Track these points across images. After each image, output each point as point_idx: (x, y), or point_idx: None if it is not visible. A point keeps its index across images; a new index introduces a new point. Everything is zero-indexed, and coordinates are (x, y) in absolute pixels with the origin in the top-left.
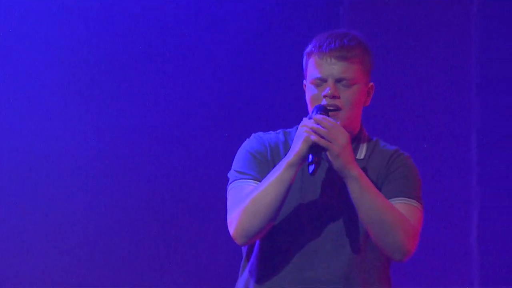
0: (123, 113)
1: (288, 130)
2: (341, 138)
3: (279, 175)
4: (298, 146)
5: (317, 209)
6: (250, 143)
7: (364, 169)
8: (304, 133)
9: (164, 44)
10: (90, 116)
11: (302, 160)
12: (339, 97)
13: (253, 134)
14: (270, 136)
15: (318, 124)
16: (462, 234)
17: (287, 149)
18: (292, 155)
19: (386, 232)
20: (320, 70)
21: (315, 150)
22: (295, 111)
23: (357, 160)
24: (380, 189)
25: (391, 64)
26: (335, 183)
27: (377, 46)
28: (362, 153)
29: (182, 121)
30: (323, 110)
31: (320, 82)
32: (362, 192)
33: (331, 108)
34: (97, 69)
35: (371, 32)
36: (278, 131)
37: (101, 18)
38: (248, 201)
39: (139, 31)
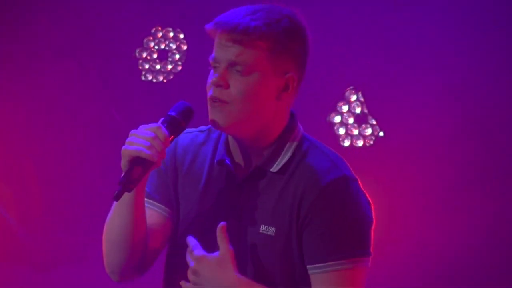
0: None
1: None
2: None
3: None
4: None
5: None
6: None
7: (279, 190)
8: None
9: None
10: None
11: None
12: (227, 87)
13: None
14: (186, 136)
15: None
16: None
17: (203, 153)
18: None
19: None
20: (214, 50)
21: (138, 163)
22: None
23: (268, 172)
24: (292, 232)
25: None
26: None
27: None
28: (279, 163)
29: None
30: (172, 121)
31: (215, 64)
32: None
33: (215, 100)
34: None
35: None
36: (202, 128)
37: None
38: (104, 230)
39: None
